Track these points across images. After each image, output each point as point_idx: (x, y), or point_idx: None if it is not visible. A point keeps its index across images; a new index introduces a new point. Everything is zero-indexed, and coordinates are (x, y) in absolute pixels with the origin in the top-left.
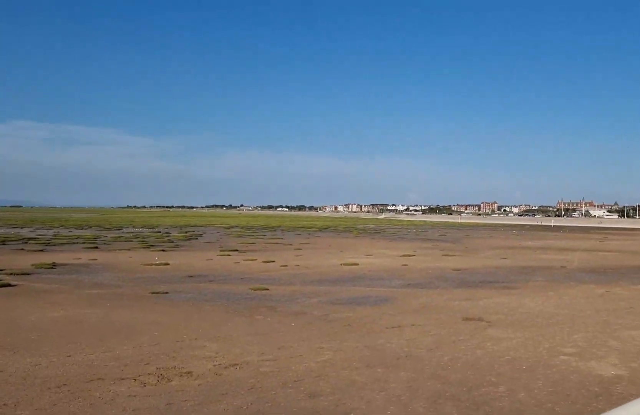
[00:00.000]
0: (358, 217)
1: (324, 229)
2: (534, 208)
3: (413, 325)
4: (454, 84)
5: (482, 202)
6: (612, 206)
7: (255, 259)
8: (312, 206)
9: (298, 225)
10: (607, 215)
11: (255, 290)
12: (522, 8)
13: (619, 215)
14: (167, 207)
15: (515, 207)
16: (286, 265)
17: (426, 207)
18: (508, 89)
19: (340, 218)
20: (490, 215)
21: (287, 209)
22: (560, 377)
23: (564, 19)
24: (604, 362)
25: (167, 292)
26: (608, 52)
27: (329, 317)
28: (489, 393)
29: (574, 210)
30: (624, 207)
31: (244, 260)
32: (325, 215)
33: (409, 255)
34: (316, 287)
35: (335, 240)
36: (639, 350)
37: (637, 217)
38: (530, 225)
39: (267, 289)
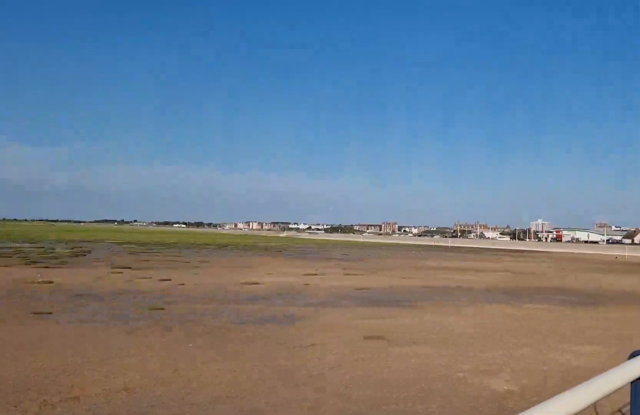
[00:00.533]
0: (259, 235)
1: (224, 246)
2: (432, 229)
3: (315, 344)
4: (355, 102)
5: (383, 222)
6: (504, 229)
7: (151, 277)
8: (212, 223)
9: (197, 242)
10: (500, 237)
11: (151, 309)
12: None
13: (510, 238)
14: (51, 220)
15: (415, 227)
16: (184, 284)
17: (328, 227)
18: (408, 112)
19: (241, 235)
20: (391, 235)
21: (184, 226)
22: (457, 393)
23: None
24: (497, 378)
25: (50, 313)
26: (493, 78)
27: (229, 336)
28: (389, 411)
29: (470, 231)
30: (515, 230)
31: (138, 278)
32: (225, 232)
33: (312, 274)
34: (217, 306)
35: (236, 258)
36: (530, 367)
37: (527, 239)
38: (429, 246)
39: (163, 309)
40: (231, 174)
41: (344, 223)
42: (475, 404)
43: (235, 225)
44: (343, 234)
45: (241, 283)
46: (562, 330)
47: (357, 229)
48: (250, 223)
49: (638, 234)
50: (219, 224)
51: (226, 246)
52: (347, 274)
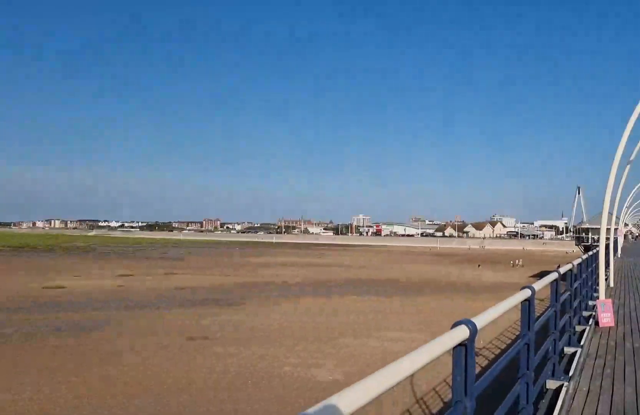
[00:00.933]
0: (63, 234)
1: (18, 248)
2: (256, 225)
3: (133, 348)
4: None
5: (205, 219)
6: (327, 224)
7: None
8: (3, 222)
9: None
10: (323, 232)
11: None
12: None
13: (334, 233)
14: None
15: (238, 224)
16: None
17: (144, 224)
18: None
19: (41, 235)
20: (213, 232)
21: None
22: (285, 387)
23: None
24: (323, 369)
25: None
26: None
27: (30, 347)
28: (215, 411)
29: (294, 227)
30: (338, 225)
31: None
32: (21, 232)
33: (127, 275)
34: (10, 315)
35: (33, 261)
36: (352, 356)
37: (349, 234)
38: (253, 242)
39: None
40: (27, 167)
41: (161, 220)
42: (304, 396)
43: (34, 224)
44: (161, 232)
45: (42, 288)
46: (381, 319)
47: (176, 226)
48: (52, 221)
49: (448, 227)
50: (13, 224)
51: (22, 248)
52: (167, 274)
